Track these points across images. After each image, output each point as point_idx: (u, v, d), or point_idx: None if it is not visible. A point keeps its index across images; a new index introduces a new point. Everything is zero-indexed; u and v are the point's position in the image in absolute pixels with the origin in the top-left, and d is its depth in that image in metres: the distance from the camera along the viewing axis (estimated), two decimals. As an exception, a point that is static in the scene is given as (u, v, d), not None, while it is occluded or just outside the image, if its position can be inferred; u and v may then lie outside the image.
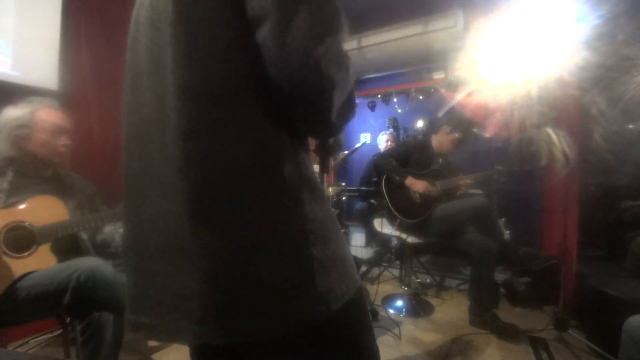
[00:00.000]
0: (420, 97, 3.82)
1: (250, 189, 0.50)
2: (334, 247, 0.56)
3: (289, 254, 0.51)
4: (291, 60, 0.46)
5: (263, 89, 0.50)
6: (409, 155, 2.47)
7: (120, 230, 1.49)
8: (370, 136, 4.32)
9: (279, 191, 0.51)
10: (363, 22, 3.23)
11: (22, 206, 1.30)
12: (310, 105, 0.51)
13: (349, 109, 0.56)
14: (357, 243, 3.80)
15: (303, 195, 0.53)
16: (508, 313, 2.29)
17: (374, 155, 2.60)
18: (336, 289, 0.53)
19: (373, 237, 3.63)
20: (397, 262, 3.14)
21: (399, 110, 4.03)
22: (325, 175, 0.73)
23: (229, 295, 0.49)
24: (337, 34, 0.48)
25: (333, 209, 0.64)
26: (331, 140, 0.70)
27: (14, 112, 1.35)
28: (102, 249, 1.49)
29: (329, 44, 0.46)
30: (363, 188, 3.59)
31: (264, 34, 0.46)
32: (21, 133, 1.35)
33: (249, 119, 0.51)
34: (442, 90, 3.48)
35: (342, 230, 0.62)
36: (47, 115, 1.39)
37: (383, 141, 3.54)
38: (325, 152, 0.70)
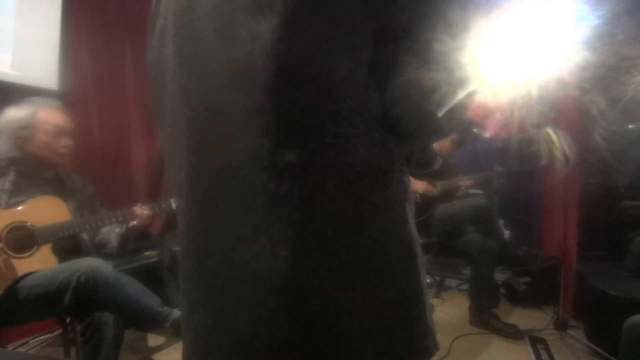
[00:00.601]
0: (420, 97, 3.82)
1: (364, 198, 0.43)
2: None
3: (401, 278, 0.44)
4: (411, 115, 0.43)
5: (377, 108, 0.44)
6: (409, 155, 2.47)
7: (117, 230, 1.49)
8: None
9: (386, 205, 0.44)
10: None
11: (23, 207, 1.30)
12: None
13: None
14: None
15: (407, 212, 0.46)
16: (508, 313, 2.29)
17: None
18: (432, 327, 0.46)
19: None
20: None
21: (399, 110, 4.03)
22: None
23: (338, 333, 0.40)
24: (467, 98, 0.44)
25: None
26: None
27: (16, 113, 1.35)
28: (99, 249, 1.49)
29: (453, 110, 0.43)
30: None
31: (404, 79, 0.41)
32: (23, 134, 1.35)
33: (369, 129, 0.43)
34: (442, 90, 3.48)
35: None
36: (49, 116, 1.39)
37: None
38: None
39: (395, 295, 0.43)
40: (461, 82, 0.43)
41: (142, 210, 1.45)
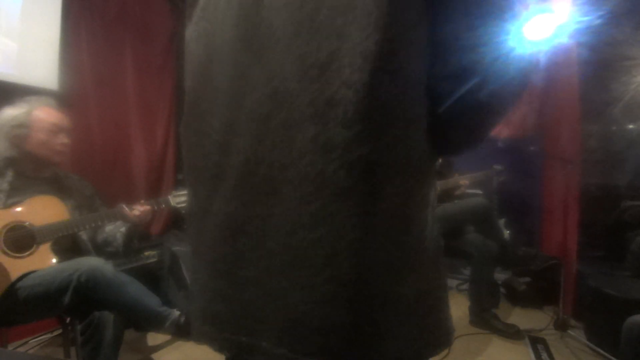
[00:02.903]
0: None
1: (411, 198, 0.45)
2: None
3: (428, 271, 0.48)
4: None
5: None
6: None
7: (122, 229, 1.49)
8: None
9: (424, 205, 0.47)
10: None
11: (21, 206, 1.30)
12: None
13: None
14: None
15: (433, 214, 0.50)
16: (508, 313, 2.29)
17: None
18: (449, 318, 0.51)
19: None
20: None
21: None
22: None
23: (375, 323, 0.44)
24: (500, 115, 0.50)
25: None
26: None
27: (12, 112, 1.35)
28: (103, 248, 1.49)
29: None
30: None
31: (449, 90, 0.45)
32: (19, 133, 1.34)
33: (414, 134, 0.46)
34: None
35: None
36: (45, 115, 1.38)
37: None
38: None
39: (428, 286, 0.48)
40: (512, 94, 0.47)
41: (140, 207, 1.45)
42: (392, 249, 0.44)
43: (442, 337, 0.49)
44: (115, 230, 1.49)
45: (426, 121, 0.46)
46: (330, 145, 0.41)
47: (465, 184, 2.37)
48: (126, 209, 1.42)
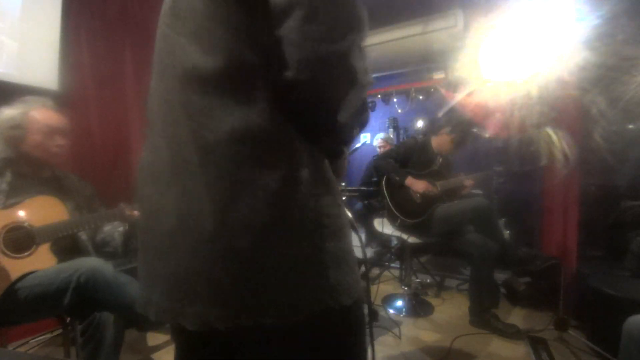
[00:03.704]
0: (420, 97, 3.82)
1: (270, 176, 0.50)
2: (345, 244, 0.57)
3: (303, 241, 0.51)
4: (313, 52, 0.47)
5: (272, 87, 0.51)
6: (409, 155, 2.48)
7: (120, 229, 1.49)
8: (370, 136, 4.33)
9: (296, 181, 0.52)
10: (363, 22, 3.22)
11: (21, 207, 1.30)
12: (323, 103, 0.52)
13: (363, 111, 0.57)
14: (357, 243, 3.79)
15: (319, 188, 0.54)
16: (508, 313, 2.29)
17: (374, 156, 2.60)
18: (345, 283, 0.54)
19: (373, 237, 3.63)
20: (398, 262, 3.14)
21: (399, 110, 4.03)
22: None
23: (238, 277, 0.49)
24: (359, 31, 0.50)
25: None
26: (344, 154, 0.69)
27: (8, 112, 1.35)
28: (101, 249, 1.49)
29: (350, 40, 0.49)
30: (363, 188, 3.59)
31: (289, 25, 0.47)
32: (15, 134, 1.34)
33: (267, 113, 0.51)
34: (442, 90, 3.48)
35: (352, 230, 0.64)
36: (41, 116, 1.38)
37: (377, 144, 3.56)
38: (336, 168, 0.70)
39: (300, 257, 0.52)
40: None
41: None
42: (254, 218, 0.49)
43: (318, 301, 0.52)
44: (113, 230, 1.49)
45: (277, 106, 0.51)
46: (190, 143, 0.52)
47: (471, 184, 2.37)
48: (127, 209, 1.43)
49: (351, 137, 0.62)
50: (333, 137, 0.59)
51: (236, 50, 0.50)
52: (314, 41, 0.47)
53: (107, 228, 1.50)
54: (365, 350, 0.62)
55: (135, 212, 1.44)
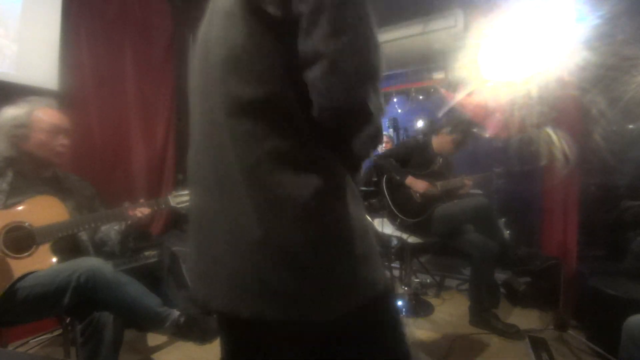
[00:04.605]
0: (420, 97, 3.82)
1: (306, 189, 0.57)
2: (371, 243, 0.65)
3: (338, 244, 0.60)
4: (335, 101, 0.55)
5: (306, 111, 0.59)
6: (409, 155, 2.48)
7: (116, 227, 1.49)
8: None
9: (327, 192, 0.59)
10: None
11: (21, 207, 1.30)
12: (343, 135, 0.60)
13: (377, 134, 0.63)
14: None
15: (346, 197, 0.62)
16: (508, 313, 2.29)
17: (374, 156, 2.60)
18: (377, 276, 0.63)
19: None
20: (397, 262, 3.14)
21: (399, 110, 4.03)
22: None
23: (286, 278, 0.57)
24: (375, 79, 0.57)
25: None
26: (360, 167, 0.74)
27: (12, 112, 1.35)
28: (99, 248, 1.49)
29: (367, 89, 0.56)
30: (363, 188, 3.58)
31: (315, 75, 0.54)
32: (19, 133, 1.34)
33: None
34: (442, 90, 3.48)
35: None
36: (45, 115, 1.38)
37: None
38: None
39: (339, 258, 0.60)
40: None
41: (140, 208, 1.45)
42: (303, 228, 0.58)
43: (357, 295, 0.60)
44: (109, 229, 1.49)
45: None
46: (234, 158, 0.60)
47: (470, 183, 2.37)
48: (130, 208, 1.43)
49: (367, 156, 0.69)
50: (350, 157, 0.66)
51: (272, 83, 0.57)
52: (334, 92, 0.54)
53: (104, 227, 1.50)
54: (403, 327, 0.71)
55: (137, 212, 1.44)
